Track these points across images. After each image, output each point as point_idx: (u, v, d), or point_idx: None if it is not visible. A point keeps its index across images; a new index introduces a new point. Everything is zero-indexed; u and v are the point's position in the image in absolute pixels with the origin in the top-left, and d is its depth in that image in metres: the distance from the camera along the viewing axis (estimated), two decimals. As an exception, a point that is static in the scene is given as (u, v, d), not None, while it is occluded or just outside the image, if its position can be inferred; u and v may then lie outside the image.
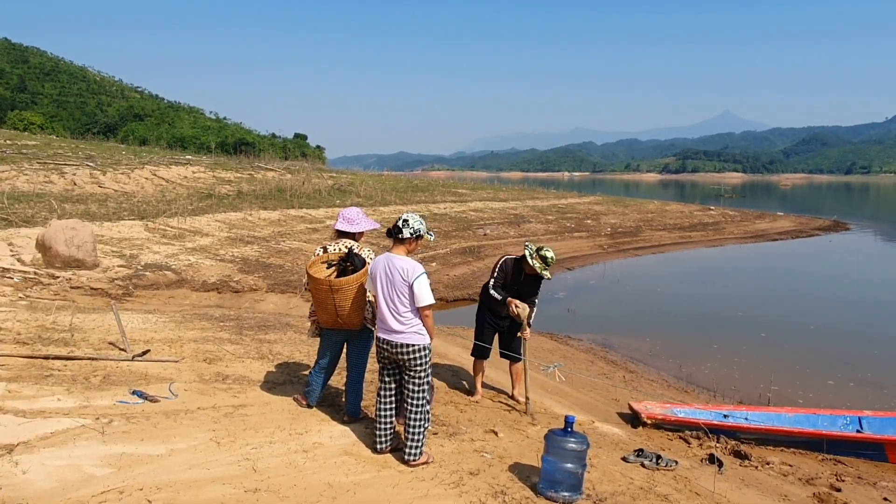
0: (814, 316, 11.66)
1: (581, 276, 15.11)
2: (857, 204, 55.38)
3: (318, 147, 64.38)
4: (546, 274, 5.28)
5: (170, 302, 9.04)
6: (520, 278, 5.41)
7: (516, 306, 5.25)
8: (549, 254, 5.30)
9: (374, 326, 4.13)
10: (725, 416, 5.83)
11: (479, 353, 5.61)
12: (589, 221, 23.34)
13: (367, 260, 4.18)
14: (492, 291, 5.41)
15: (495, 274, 5.47)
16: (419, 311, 3.81)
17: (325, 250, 4.38)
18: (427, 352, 3.87)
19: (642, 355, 8.92)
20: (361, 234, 4.48)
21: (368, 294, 4.20)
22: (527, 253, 5.30)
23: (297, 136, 66.39)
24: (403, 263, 3.79)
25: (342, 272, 4.13)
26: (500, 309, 5.45)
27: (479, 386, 5.67)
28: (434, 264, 13.78)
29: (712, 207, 31.97)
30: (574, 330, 10.01)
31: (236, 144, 48.61)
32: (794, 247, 21.93)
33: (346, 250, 4.27)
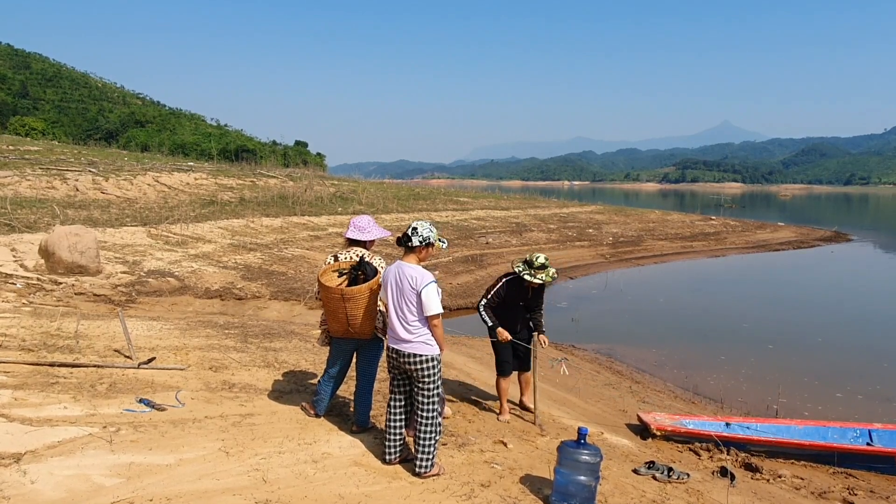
0: (820, 327, 11.63)
1: (584, 286, 15.08)
2: (857, 215, 55.45)
3: (318, 154, 64.39)
4: (549, 273, 5.18)
5: (173, 309, 8.99)
6: (527, 295, 5.33)
7: (504, 336, 5.22)
8: (540, 258, 5.20)
9: (385, 336, 4.09)
10: (735, 427, 5.78)
11: (503, 371, 5.42)
12: (591, 230, 23.33)
13: (379, 269, 4.15)
14: (482, 312, 5.35)
15: (489, 296, 5.38)
16: (427, 321, 3.77)
17: (337, 258, 4.36)
18: (436, 362, 3.81)
19: (648, 366, 8.88)
20: (372, 242, 4.45)
21: (379, 303, 4.17)
22: (526, 277, 5.15)
23: (297, 143, 66.44)
24: (413, 272, 3.77)
25: (353, 281, 4.10)
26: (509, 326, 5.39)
27: (504, 405, 5.43)
28: (437, 272, 13.74)
29: (713, 217, 31.98)
30: (578, 339, 9.97)
31: (237, 151, 48.70)
32: (796, 257, 21.92)
33: (358, 259, 4.24)
